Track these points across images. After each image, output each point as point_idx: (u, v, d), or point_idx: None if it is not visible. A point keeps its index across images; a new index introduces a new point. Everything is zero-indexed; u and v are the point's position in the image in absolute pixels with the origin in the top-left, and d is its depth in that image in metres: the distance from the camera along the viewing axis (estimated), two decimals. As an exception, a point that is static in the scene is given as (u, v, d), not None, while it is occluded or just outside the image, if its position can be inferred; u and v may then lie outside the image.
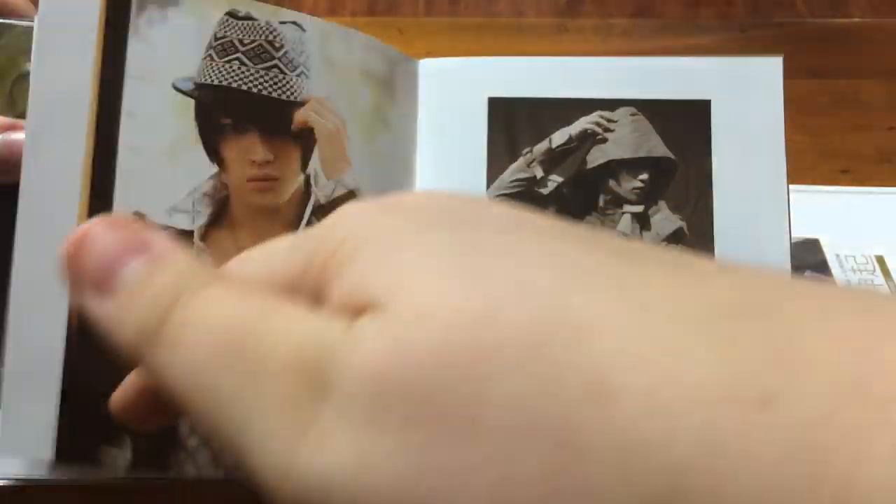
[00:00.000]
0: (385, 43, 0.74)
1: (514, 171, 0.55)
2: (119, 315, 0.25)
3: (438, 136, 0.56)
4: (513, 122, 0.55)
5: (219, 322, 0.23)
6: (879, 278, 0.67)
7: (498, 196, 0.54)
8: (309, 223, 0.50)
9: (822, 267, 0.68)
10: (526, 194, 0.55)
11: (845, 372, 0.18)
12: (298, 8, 1.64)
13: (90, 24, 0.46)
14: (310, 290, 0.24)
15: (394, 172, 0.54)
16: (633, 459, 0.18)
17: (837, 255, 0.69)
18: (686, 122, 0.55)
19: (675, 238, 0.54)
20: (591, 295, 0.20)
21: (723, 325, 0.19)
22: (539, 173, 0.55)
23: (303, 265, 0.25)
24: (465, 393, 0.19)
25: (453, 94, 0.56)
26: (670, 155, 0.55)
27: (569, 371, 0.19)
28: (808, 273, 0.68)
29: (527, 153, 0.55)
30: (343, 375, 0.21)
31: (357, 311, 0.22)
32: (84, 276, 0.27)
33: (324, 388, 0.21)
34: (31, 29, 0.46)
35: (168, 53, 0.48)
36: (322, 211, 0.50)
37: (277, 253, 0.27)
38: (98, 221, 0.28)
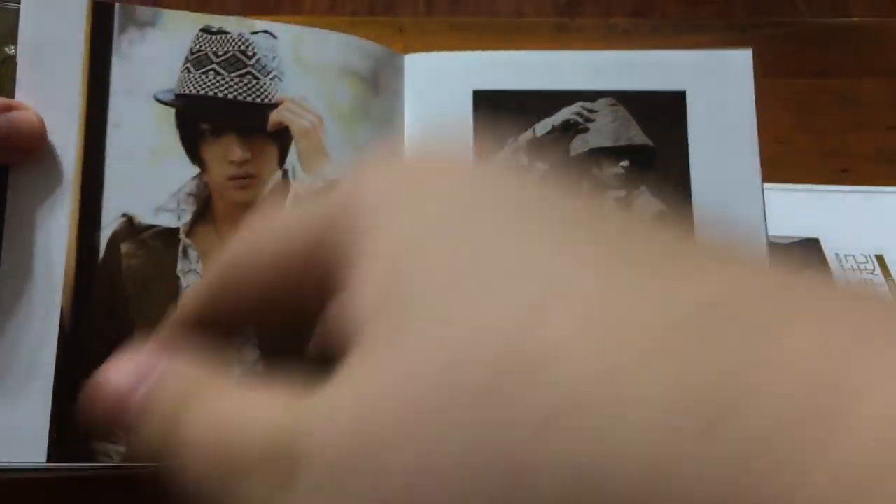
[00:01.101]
0: (383, 42, 0.75)
1: (500, 160, 0.55)
2: (138, 446, 0.28)
3: (425, 127, 0.57)
4: (497, 113, 0.57)
5: (207, 433, 0.25)
6: (879, 278, 0.67)
7: None
8: None
9: (822, 267, 0.68)
10: None
11: (803, 384, 0.17)
12: (299, 8, 1.64)
13: (76, 45, 0.50)
14: (318, 277, 0.25)
15: None
16: (585, 495, 0.18)
17: (837, 255, 0.68)
18: (663, 112, 0.56)
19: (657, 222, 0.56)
20: (559, 318, 0.20)
21: (690, 338, 0.19)
22: (524, 162, 0.56)
23: (312, 248, 0.26)
24: (419, 452, 0.20)
25: (439, 88, 0.57)
26: (649, 143, 0.56)
27: (523, 407, 0.19)
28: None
29: (512, 143, 0.56)
30: (308, 460, 0.21)
31: (340, 348, 0.23)
32: (103, 420, 0.29)
33: (291, 478, 0.22)
34: (16, 11, 0.49)
35: (149, 69, 0.51)
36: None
37: (287, 236, 0.28)
38: (104, 368, 0.29)
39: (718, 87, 0.56)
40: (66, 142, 0.49)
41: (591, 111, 0.56)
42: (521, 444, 0.19)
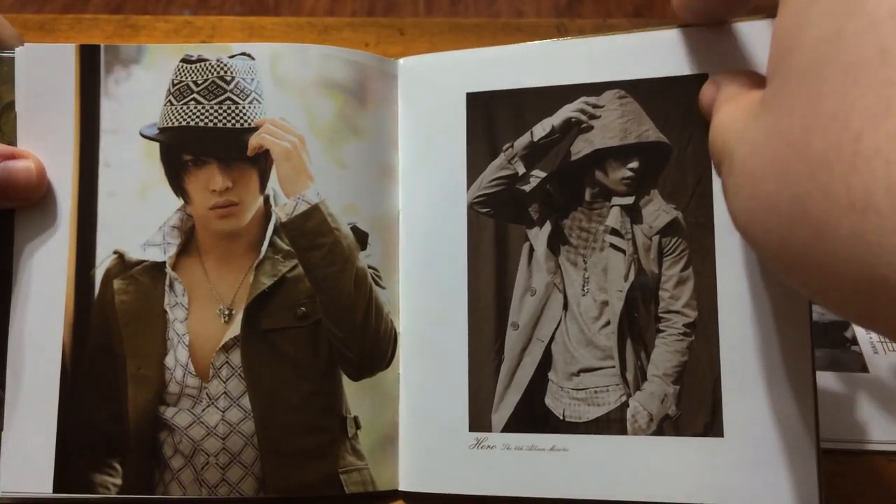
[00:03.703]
0: (383, 43, 0.74)
1: (495, 169, 0.52)
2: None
3: (419, 136, 0.54)
4: (492, 117, 0.52)
5: (714, 130, 0.41)
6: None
7: (478, 196, 0.52)
8: (271, 243, 0.51)
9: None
10: (507, 192, 0.52)
11: None
12: (298, 9, 1.63)
13: (68, 90, 0.52)
14: None
15: (369, 178, 0.53)
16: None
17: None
18: (681, 101, 0.49)
19: (670, 230, 0.50)
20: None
21: None
22: (521, 169, 0.52)
23: None
24: (764, 189, 0.33)
25: (432, 92, 0.54)
26: (664, 139, 0.50)
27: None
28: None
29: (507, 149, 0.52)
30: (734, 164, 0.36)
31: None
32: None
33: (731, 170, 0.36)
34: (10, 59, 0.52)
35: (135, 106, 0.53)
36: (284, 229, 0.51)
37: None
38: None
39: (746, 65, 0.48)
40: (63, 184, 0.52)
41: (595, 106, 0.51)
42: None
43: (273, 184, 0.52)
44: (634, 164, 0.50)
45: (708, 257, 0.49)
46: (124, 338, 0.51)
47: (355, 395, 0.51)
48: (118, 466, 0.50)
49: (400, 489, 0.52)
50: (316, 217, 0.51)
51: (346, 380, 0.51)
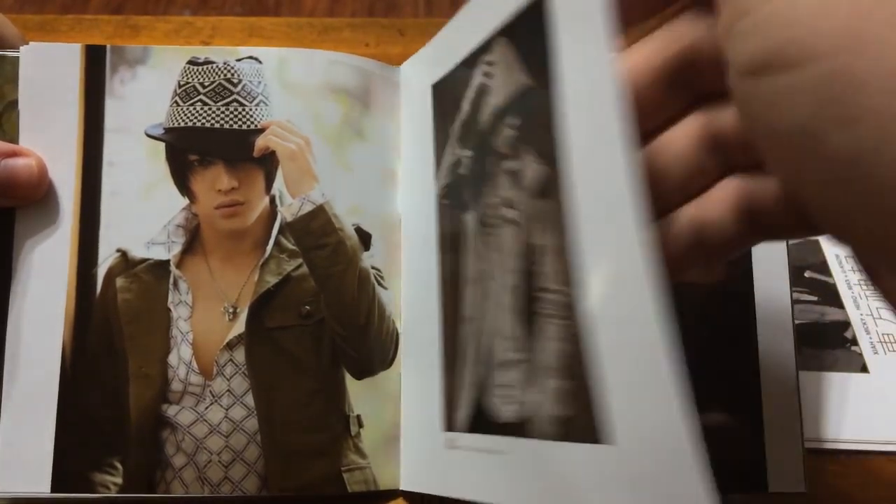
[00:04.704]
0: (383, 43, 0.74)
1: (446, 159, 0.48)
2: None
3: (412, 139, 0.54)
4: (444, 104, 0.49)
5: None
6: (879, 279, 0.67)
7: (442, 189, 0.49)
8: (276, 242, 0.52)
9: (822, 267, 0.68)
10: (455, 179, 0.47)
11: None
12: (298, 10, 1.63)
13: (72, 90, 0.52)
14: None
15: (372, 180, 0.54)
16: None
17: (837, 256, 0.68)
18: (523, 27, 0.40)
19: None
20: None
21: None
22: (458, 153, 0.46)
23: None
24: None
25: (415, 92, 0.53)
26: (533, 84, 0.39)
27: None
28: (807, 273, 0.67)
29: (453, 132, 0.47)
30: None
31: None
32: None
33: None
34: (14, 59, 0.52)
35: (140, 106, 0.53)
36: (290, 229, 0.52)
37: None
38: None
39: None
40: (66, 183, 0.52)
41: (490, 63, 0.43)
42: None
43: (279, 184, 0.53)
44: (514, 122, 0.41)
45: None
46: (126, 336, 0.51)
47: (358, 393, 0.51)
48: (118, 465, 0.50)
49: (401, 489, 0.52)
50: (321, 217, 0.52)
51: (349, 378, 0.52)
